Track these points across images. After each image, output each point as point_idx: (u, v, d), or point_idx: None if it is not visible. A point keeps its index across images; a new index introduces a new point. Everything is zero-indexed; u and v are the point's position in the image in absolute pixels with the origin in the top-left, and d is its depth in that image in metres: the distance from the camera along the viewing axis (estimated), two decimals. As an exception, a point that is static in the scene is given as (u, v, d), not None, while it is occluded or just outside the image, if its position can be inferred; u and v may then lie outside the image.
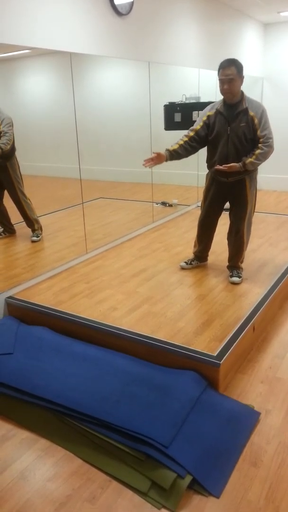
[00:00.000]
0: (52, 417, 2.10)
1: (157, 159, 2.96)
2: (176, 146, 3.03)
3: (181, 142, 3.04)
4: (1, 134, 3.37)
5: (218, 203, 3.23)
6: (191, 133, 3.05)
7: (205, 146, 3.12)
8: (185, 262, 3.51)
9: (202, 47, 4.96)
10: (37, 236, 4.01)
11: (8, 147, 3.35)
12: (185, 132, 3.09)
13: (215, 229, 3.38)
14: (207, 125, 3.02)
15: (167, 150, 3.02)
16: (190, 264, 3.50)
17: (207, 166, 3.18)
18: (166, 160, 3.01)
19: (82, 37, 3.30)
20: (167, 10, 4.26)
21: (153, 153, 2.97)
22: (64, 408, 2.08)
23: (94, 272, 3.53)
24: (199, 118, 3.06)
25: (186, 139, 3.04)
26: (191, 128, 3.07)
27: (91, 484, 1.77)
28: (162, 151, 2.99)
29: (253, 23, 6.13)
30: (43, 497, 1.72)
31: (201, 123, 3.03)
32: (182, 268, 3.48)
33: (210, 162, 3.13)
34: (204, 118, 3.02)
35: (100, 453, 1.89)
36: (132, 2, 3.72)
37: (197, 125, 3.05)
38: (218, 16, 5.21)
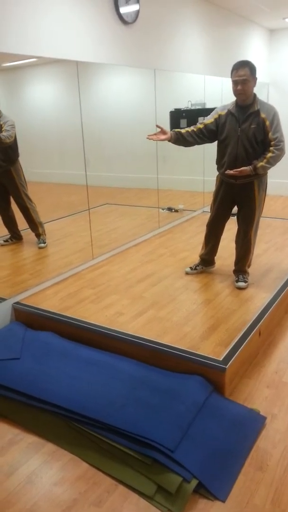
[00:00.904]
0: (59, 421, 2.11)
1: (161, 134, 2.94)
2: (183, 131, 3.03)
3: (189, 130, 3.04)
4: (3, 131, 3.45)
5: (227, 205, 3.22)
6: (200, 126, 3.05)
7: (210, 141, 3.11)
8: (190, 267, 3.52)
9: (207, 54, 5.00)
10: (44, 242, 4.06)
11: (8, 141, 3.41)
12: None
13: (222, 232, 3.38)
14: (217, 123, 3.02)
15: (174, 131, 3.01)
16: (195, 269, 3.50)
17: (217, 167, 3.18)
18: (170, 140, 2.98)
19: (88, 45, 3.35)
20: (172, 18, 4.31)
21: (158, 127, 2.95)
22: (71, 412, 2.09)
23: (100, 277, 3.55)
24: (211, 115, 3.07)
25: (194, 129, 3.05)
26: (202, 121, 3.08)
27: (98, 488, 1.78)
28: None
29: (258, 29, 6.17)
30: (50, 501, 1.73)
31: (212, 120, 3.03)
32: (187, 274, 3.49)
33: (220, 163, 3.13)
34: (216, 116, 3.03)
35: (107, 457, 1.90)
36: (138, 11, 3.76)
37: (208, 120, 3.05)
38: (223, 23, 5.25)
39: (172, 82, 4.99)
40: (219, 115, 3.02)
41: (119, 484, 1.79)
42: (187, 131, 3.03)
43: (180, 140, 3.02)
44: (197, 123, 3.08)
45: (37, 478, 1.85)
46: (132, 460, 1.85)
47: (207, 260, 3.51)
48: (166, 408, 2.05)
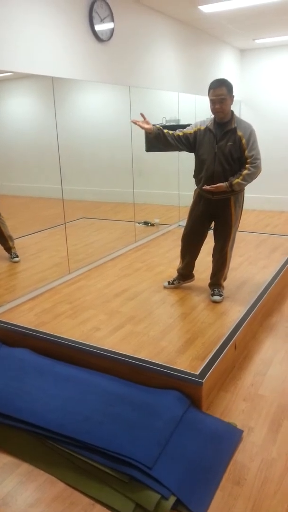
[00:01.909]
0: (35, 441, 2.07)
1: (145, 123, 2.94)
2: (165, 131, 3.02)
3: (170, 133, 3.04)
4: None
5: (203, 220, 3.23)
6: (180, 133, 3.06)
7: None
8: (168, 281, 3.54)
9: (181, 72, 5.12)
10: (17, 256, 4.01)
11: None
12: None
13: (199, 248, 3.38)
14: (195, 136, 3.05)
15: (156, 126, 3.00)
16: (172, 284, 3.52)
17: (195, 181, 3.22)
18: (151, 134, 2.97)
19: (63, 62, 3.38)
20: (146, 36, 4.40)
21: (142, 115, 2.96)
22: (47, 431, 2.05)
23: (77, 292, 3.53)
24: (191, 126, 3.10)
25: (173, 134, 3.05)
26: (182, 130, 3.09)
27: (74, 508, 1.74)
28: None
29: (230, 49, 6.36)
30: (25, 524, 1.69)
31: (192, 131, 3.06)
32: (165, 288, 3.51)
33: (198, 178, 3.16)
34: (195, 129, 3.06)
35: (83, 476, 1.87)
36: (113, 29, 3.83)
37: (188, 130, 3.07)
38: (196, 42, 5.39)
39: (147, 99, 5.07)
40: (199, 129, 3.06)
41: (96, 503, 1.76)
42: (168, 132, 3.03)
43: (160, 137, 3.00)
44: (177, 131, 3.08)
45: (12, 500, 1.80)
46: (109, 478, 1.82)
47: (184, 275, 3.53)
48: (144, 424, 2.04)
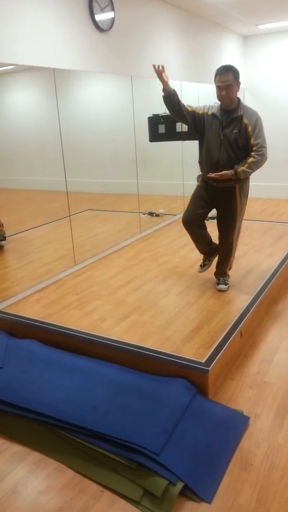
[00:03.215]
0: (44, 430, 2.10)
1: (164, 74, 2.90)
2: (179, 98, 2.98)
3: (183, 103, 2.99)
4: None
5: (201, 202, 3.15)
6: (190, 109, 3.01)
7: (189, 125, 3.06)
8: (200, 265, 3.45)
9: (183, 60, 5.07)
10: (4, 239, 4.00)
11: None
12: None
13: (203, 231, 3.25)
14: (203, 119, 3.01)
15: (174, 89, 2.95)
16: (204, 265, 3.41)
17: (200, 166, 3.18)
18: (165, 91, 2.92)
19: (64, 53, 3.36)
20: (148, 25, 4.36)
21: (163, 67, 2.90)
22: (55, 420, 2.09)
23: (83, 283, 3.55)
24: (200, 107, 3.04)
25: (186, 105, 3.00)
26: (191, 106, 3.03)
27: (84, 495, 1.78)
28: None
29: (232, 36, 6.28)
30: (36, 510, 1.72)
31: (200, 112, 3.01)
32: (200, 272, 3.44)
33: (202, 164, 3.13)
34: (204, 111, 3.01)
35: (92, 463, 1.90)
36: (113, 18, 3.80)
37: (198, 109, 3.02)
38: (198, 30, 5.33)
39: (149, 88, 5.03)
40: (207, 113, 3.00)
41: (105, 490, 1.79)
42: (181, 102, 2.97)
43: (174, 98, 2.93)
44: (186, 105, 3.01)
45: (23, 487, 1.83)
46: (118, 465, 1.85)
47: (208, 252, 3.40)
48: (151, 412, 2.06)
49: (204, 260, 3.44)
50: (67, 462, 1.94)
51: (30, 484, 1.85)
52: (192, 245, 3.94)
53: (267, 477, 1.82)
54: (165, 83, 2.91)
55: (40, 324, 2.82)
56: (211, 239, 3.32)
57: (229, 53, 6.20)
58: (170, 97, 2.94)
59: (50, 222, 4.68)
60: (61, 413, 2.09)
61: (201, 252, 3.41)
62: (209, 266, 3.42)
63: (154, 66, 2.90)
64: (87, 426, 2.00)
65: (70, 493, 1.79)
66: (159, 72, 2.89)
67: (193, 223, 3.18)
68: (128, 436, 1.91)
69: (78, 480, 1.85)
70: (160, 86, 2.93)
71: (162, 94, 2.94)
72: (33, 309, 3.09)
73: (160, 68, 2.89)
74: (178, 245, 4.41)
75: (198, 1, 4.60)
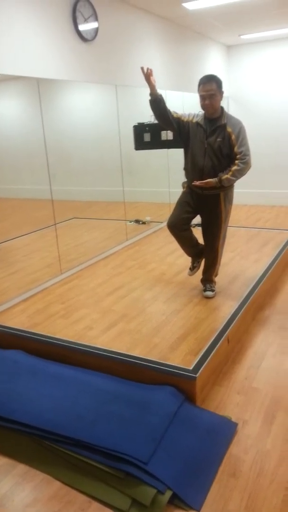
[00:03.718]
0: (30, 441, 2.07)
1: (152, 78, 2.92)
2: (165, 103, 2.99)
3: (169, 109, 3.01)
4: None
5: (188, 207, 3.15)
6: (176, 115, 3.03)
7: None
8: (190, 268, 3.45)
9: (167, 69, 5.12)
10: None
11: None
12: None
13: (188, 230, 3.23)
14: (188, 127, 3.02)
15: (161, 94, 2.97)
16: (194, 268, 3.42)
17: (185, 173, 3.19)
18: (152, 95, 2.94)
19: (48, 63, 3.37)
20: (132, 35, 4.40)
21: (151, 71, 2.92)
22: (42, 431, 2.06)
23: (69, 292, 3.53)
24: (185, 114, 3.05)
25: (172, 111, 3.02)
26: (177, 112, 3.05)
27: (71, 507, 1.75)
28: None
29: (216, 46, 6.37)
30: (22, 524, 1.69)
31: (185, 119, 3.02)
32: (190, 275, 3.44)
33: (187, 171, 3.15)
34: (189, 119, 3.03)
35: (79, 474, 1.88)
36: (97, 28, 3.83)
37: (183, 117, 3.04)
38: (182, 39, 5.40)
39: (134, 97, 5.07)
40: (191, 121, 3.03)
41: (93, 500, 1.77)
42: (166, 107, 2.99)
43: (160, 103, 2.94)
44: (173, 111, 3.03)
45: (9, 501, 1.80)
46: (105, 475, 1.83)
47: (195, 254, 3.39)
48: (139, 421, 2.05)
49: (193, 263, 3.44)
50: (54, 473, 1.91)
51: (16, 497, 1.81)
52: (179, 252, 3.97)
53: (256, 483, 1.81)
54: (152, 87, 2.93)
55: (25, 334, 2.78)
56: (197, 241, 3.32)
57: (212, 62, 6.29)
58: (157, 102, 2.95)
59: (36, 231, 4.65)
60: (47, 423, 2.06)
61: (188, 254, 3.42)
62: (198, 268, 3.43)
63: (142, 68, 2.92)
64: (74, 436, 1.98)
65: (57, 505, 1.76)
66: (147, 75, 2.91)
67: (178, 226, 3.19)
68: (116, 445, 1.89)
69: (66, 492, 1.82)
70: (144, 95, 2.95)
71: (149, 98, 2.96)
72: (18, 318, 3.06)
73: (148, 71, 2.91)
74: (165, 252, 4.42)
75: (181, 12, 4.67)
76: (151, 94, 2.95)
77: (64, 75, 3.56)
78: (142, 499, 1.71)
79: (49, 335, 2.77)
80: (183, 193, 3.21)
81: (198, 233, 3.34)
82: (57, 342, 2.66)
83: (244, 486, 1.80)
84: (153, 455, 1.86)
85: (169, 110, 3.00)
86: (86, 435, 1.97)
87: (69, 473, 1.89)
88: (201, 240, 3.31)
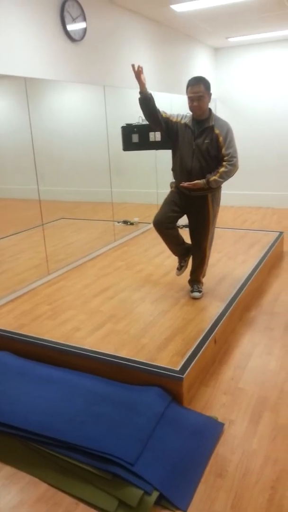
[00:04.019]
0: (17, 443, 2.06)
1: (140, 73, 2.90)
2: (155, 102, 2.98)
3: (158, 108, 3.00)
4: None
5: (175, 206, 3.14)
6: (165, 115, 3.02)
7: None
8: (177, 268, 3.44)
9: (156, 71, 5.13)
10: None
11: None
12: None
13: (174, 228, 3.21)
14: (176, 127, 3.03)
15: (151, 93, 2.95)
16: (181, 267, 3.41)
17: (173, 174, 3.20)
18: (142, 93, 2.92)
19: (36, 62, 3.36)
20: (120, 36, 4.40)
21: (141, 68, 2.90)
22: (29, 433, 2.04)
23: (56, 293, 3.51)
24: (174, 115, 3.05)
25: (161, 111, 3.01)
26: (166, 112, 3.04)
27: (58, 509, 1.74)
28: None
29: (203, 48, 6.41)
30: (8, 527, 1.68)
31: (174, 120, 3.02)
32: (178, 275, 3.44)
33: (175, 172, 3.16)
34: (177, 119, 3.03)
35: (66, 476, 1.87)
36: (85, 28, 3.82)
37: (172, 117, 3.03)
38: (170, 41, 5.41)
39: (122, 98, 5.07)
40: (179, 122, 3.03)
41: (79, 502, 1.77)
42: (155, 106, 2.98)
43: (150, 101, 2.93)
44: (164, 111, 3.04)
45: (-5, 504, 1.79)
46: (92, 477, 1.83)
47: (182, 253, 3.38)
48: (126, 422, 2.05)
49: (180, 262, 3.43)
50: (41, 475, 1.90)
51: (2, 500, 1.80)
52: (166, 253, 3.98)
53: (242, 483, 1.83)
54: (142, 85, 2.92)
55: (12, 335, 2.77)
56: (183, 240, 3.32)
57: (200, 64, 6.32)
58: (147, 100, 2.94)
59: (23, 231, 4.62)
60: (35, 426, 2.05)
61: (175, 253, 3.41)
62: (186, 267, 3.43)
63: (133, 65, 2.89)
64: (61, 437, 1.97)
65: (44, 507, 1.75)
66: (138, 73, 2.90)
67: (164, 224, 3.17)
68: (103, 447, 1.89)
69: (52, 494, 1.82)
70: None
71: (139, 96, 2.95)
72: (5, 320, 3.04)
73: (139, 68, 2.90)
74: (153, 253, 4.43)
75: (169, 14, 4.69)
76: (141, 92, 2.94)
77: (52, 75, 3.55)
78: (129, 500, 1.71)
79: (36, 336, 2.75)
80: (171, 192, 3.22)
81: (185, 235, 3.35)
82: (44, 343, 2.65)
83: (230, 486, 1.82)
84: (140, 456, 1.87)
85: (158, 110, 3.00)
86: (73, 437, 1.97)
87: (55, 475, 1.88)
88: (188, 241, 3.33)
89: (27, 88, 3.46)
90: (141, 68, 2.91)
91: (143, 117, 3.09)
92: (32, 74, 3.33)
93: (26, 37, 3.23)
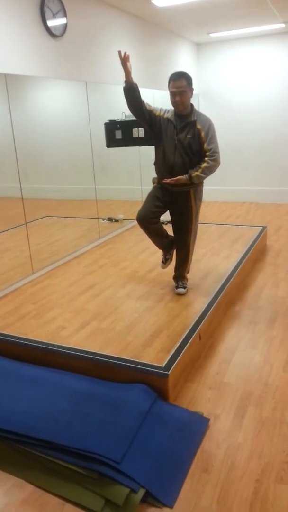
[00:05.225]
0: (2, 445, 2.04)
1: (127, 61, 2.88)
2: (140, 94, 2.96)
3: (142, 99, 2.97)
4: None
5: (158, 201, 3.13)
6: (149, 108, 3.00)
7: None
8: (162, 261, 3.42)
9: (138, 67, 5.09)
10: None
11: None
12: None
13: (157, 223, 3.19)
14: (159, 121, 3.01)
15: (136, 84, 2.93)
16: (166, 260, 3.39)
17: (155, 169, 3.18)
18: (127, 82, 2.90)
19: (16, 58, 3.31)
20: (101, 31, 4.36)
21: (128, 55, 2.87)
22: (14, 434, 2.03)
23: (41, 292, 3.49)
24: (157, 109, 3.03)
25: (146, 103, 3.00)
26: (150, 105, 3.03)
27: (44, 510, 1.73)
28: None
29: (186, 43, 6.39)
30: (-6, 529, 1.66)
31: (157, 114, 3.01)
32: (163, 268, 3.43)
33: (157, 166, 3.14)
34: (160, 113, 3.01)
35: (52, 476, 1.86)
36: (66, 24, 3.78)
37: (155, 110, 3.02)
38: (152, 37, 5.39)
39: (105, 94, 5.04)
40: (162, 116, 3.01)
41: (66, 503, 1.76)
42: (140, 96, 2.96)
43: (135, 91, 2.91)
44: (146, 103, 3.02)
45: (-20, 507, 1.77)
46: (78, 477, 1.82)
47: (166, 246, 3.35)
48: (111, 420, 2.05)
49: (165, 255, 3.42)
50: (26, 476, 1.89)
51: (-13, 503, 1.79)
52: (151, 249, 3.98)
53: (227, 478, 1.84)
54: (128, 73, 2.88)
55: (-4, 336, 2.74)
56: (167, 233, 3.30)
57: (183, 59, 6.31)
58: (132, 90, 2.90)
59: (6, 230, 4.57)
60: (20, 426, 2.04)
61: (159, 247, 3.39)
62: (171, 260, 3.42)
63: (119, 52, 2.85)
64: (47, 438, 1.96)
65: (30, 509, 1.74)
66: (124, 60, 2.86)
67: (148, 219, 3.15)
68: (89, 446, 1.89)
69: (38, 495, 1.81)
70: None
71: (123, 85, 2.91)
72: (-11, 320, 3.01)
73: (126, 55, 2.86)
74: (137, 249, 4.42)
75: (150, 9, 4.66)
76: (126, 82, 2.90)
77: (33, 71, 3.50)
78: (115, 499, 1.71)
79: (21, 336, 2.73)
80: (154, 187, 3.22)
81: (169, 231, 3.35)
82: (30, 343, 2.63)
83: (216, 481, 1.83)
84: (126, 454, 1.87)
85: (143, 101, 2.98)
86: (58, 437, 1.96)
87: (41, 476, 1.87)
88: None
89: (7, 84, 3.40)
90: (128, 55, 2.88)
91: (126, 114, 3.07)
92: (12, 70, 3.28)
93: (6, 33, 3.17)
